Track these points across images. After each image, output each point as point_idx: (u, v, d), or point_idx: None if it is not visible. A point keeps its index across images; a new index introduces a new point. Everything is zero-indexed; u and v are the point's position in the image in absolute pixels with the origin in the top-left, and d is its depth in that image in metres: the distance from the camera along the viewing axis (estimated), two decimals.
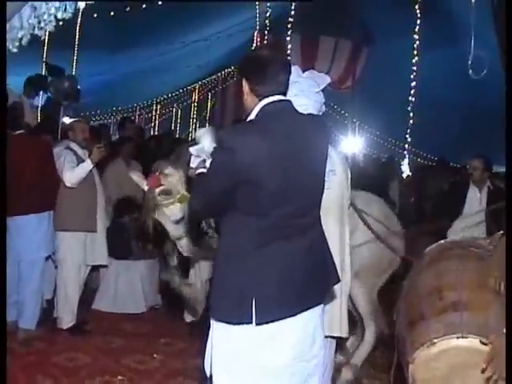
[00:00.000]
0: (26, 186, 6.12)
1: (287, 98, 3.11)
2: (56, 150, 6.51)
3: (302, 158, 2.96)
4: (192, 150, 3.41)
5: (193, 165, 3.34)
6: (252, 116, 3.04)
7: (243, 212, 2.94)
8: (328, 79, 4.27)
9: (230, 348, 3.00)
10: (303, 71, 4.24)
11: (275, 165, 2.86)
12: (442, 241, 4.24)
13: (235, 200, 2.92)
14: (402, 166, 13.66)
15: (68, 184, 6.38)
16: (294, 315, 2.96)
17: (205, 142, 3.39)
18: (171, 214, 4.82)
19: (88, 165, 6.39)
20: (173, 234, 4.97)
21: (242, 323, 2.92)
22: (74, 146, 6.56)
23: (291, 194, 2.93)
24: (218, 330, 3.03)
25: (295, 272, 2.97)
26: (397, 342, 3.79)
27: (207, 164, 3.20)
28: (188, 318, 6.51)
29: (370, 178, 10.72)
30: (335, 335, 4.23)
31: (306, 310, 3.02)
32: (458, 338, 3.21)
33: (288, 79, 3.09)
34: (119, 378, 5.35)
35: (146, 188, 4.88)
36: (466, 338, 3.19)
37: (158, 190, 4.76)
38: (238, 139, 2.88)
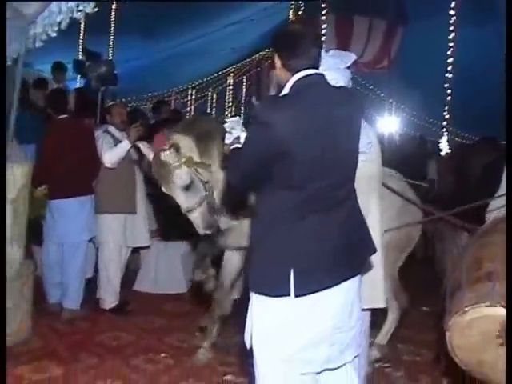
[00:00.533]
0: (68, 170, 6.25)
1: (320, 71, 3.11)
2: (95, 134, 6.61)
3: (337, 131, 2.98)
4: (226, 125, 3.39)
5: (227, 141, 3.34)
6: (286, 90, 3.05)
7: (279, 186, 2.97)
8: (353, 57, 4.19)
9: (270, 320, 3.04)
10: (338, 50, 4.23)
11: (311, 138, 2.89)
12: (500, 215, 4.21)
13: (271, 174, 2.94)
14: (440, 144, 13.50)
15: (108, 165, 6.47)
16: (331, 286, 2.99)
17: (237, 128, 3.38)
18: (179, 177, 4.64)
19: (126, 144, 6.47)
20: (184, 206, 4.74)
21: (281, 295, 2.96)
22: (111, 129, 6.67)
23: (327, 166, 2.95)
24: (258, 303, 3.08)
25: (332, 243, 2.99)
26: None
27: (242, 140, 3.23)
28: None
29: (405, 157, 10.67)
30: (378, 307, 4.23)
31: (344, 280, 3.05)
32: (486, 306, 3.22)
33: (320, 53, 3.11)
34: (162, 355, 5.44)
35: (151, 157, 4.77)
36: (495, 306, 3.20)
37: (166, 148, 4.60)
38: (274, 113, 2.89)
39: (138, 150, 6.69)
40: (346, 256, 3.05)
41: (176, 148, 4.61)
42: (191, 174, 4.68)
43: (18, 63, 6.33)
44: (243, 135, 3.24)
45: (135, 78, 14.99)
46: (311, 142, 2.89)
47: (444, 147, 13.43)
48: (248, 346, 3.20)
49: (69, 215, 6.37)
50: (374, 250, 3.34)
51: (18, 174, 5.85)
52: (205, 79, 21.99)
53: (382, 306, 4.23)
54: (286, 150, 2.86)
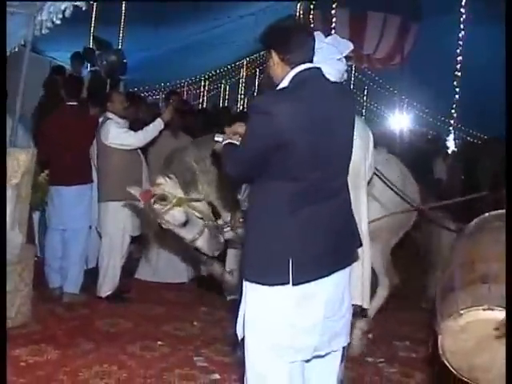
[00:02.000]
0: (68, 157, 6.32)
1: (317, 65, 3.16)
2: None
3: (333, 124, 3.04)
4: (217, 137, 3.41)
5: (218, 138, 3.37)
6: (284, 84, 3.09)
7: (277, 177, 3.01)
8: (351, 46, 4.18)
9: (264, 308, 3.08)
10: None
11: (309, 129, 2.94)
12: (486, 214, 4.19)
13: (270, 165, 2.99)
14: (447, 142, 13.47)
15: (138, 144, 6.55)
16: (327, 275, 3.06)
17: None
18: (173, 219, 4.88)
19: (159, 123, 6.51)
20: (186, 238, 5.01)
21: (279, 284, 3.01)
22: (112, 116, 6.66)
23: (324, 157, 3.01)
24: (252, 292, 3.12)
25: (327, 234, 3.07)
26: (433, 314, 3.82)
27: (233, 139, 3.26)
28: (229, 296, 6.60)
29: (416, 154, 10.65)
30: (356, 303, 4.18)
31: (337, 270, 3.12)
32: (484, 309, 3.15)
33: (314, 46, 3.16)
34: (159, 343, 5.47)
35: (142, 205, 4.93)
36: (493, 310, 3.13)
37: (152, 200, 4.78)
38: (274, 104, 2.94)
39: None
40: (339, 246, 3.13)
41: (161, 198, 4.79)
42: (185, 212, 4.87)
43: (26, 49, 6.39)
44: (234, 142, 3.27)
45: (146, 68, 15.04)
46: (310, 134, 2.94)
47: (451, 145, 13.40)
48: (240, 337, 3.25)
49: (69, 201, 6.45)
50: (361, 243, 3.43)
51: (21, 159, 5.90)
52: (217, 71, 22.00)
53: (359, 303, 4.23)
54: (285, 140, 2.90)
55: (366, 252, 4.11)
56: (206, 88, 23.53)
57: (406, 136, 14.45)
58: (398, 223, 5.58)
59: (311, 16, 14.70)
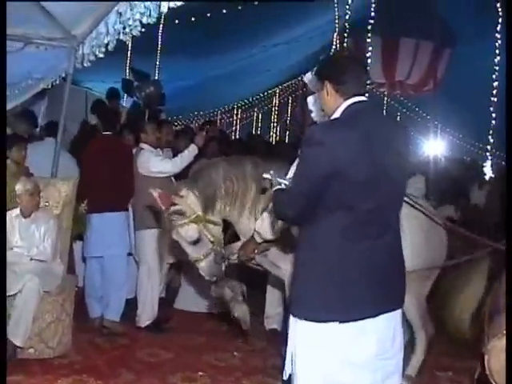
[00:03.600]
0: (105, 185, 6.41)
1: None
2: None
3: (387, 155, 3.01)
4: (266, 175, 3.35)
5: (267, 176, 3.31)
6: (337, 114, 3.10)
7: (329, 209, 2.96)
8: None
9: (315, 345, 3.03)
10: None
11: (363, 158, 2.92)
12: None
13: (324, 195, 2.94)
14: (484, 168, 13.34)
15: (175, 170, 6.61)
16: (373, 316, 3.01)
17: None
18: (185, 234, 4.81)
19: (194, 149, 6.60)
20: (191, 256, 4.92)
21: (328, 321, 2.97)
22: (146, 146, 6.75)
23: (378, 188, 2.97)
24: (302, 328, 3.06)
25: (380, 271, 3.02)
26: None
27: (282, 185, 3.22)
28: (269, 324, 6.54)
29: (451, 181, 10.56)
30: None
31: (389, 311, 3.07)
32: None
33: (367, 80, 3.22)
34: (200, 373, 5.45)
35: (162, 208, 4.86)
36: None
37: (171, 210, 4.74)
38: (327, 133, 2.95)
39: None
40: (390, 285, 3.08)
41: (179, 213, 4.72)
42: (199, 230, 4.80)
43: (67, 82, 6.51)
44: (283, 181, 3.24)
45: (181, 97, 15.14)
46: (363, 162, 2.92)
47: (488, 171, 13.27)
48: (288, 373, 3.18)
49: (106, 229, 6.50)
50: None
51: (62, 190, 6.00)
52: (250, 99, 22.09)
53: None
54: (339, 168, 2.88)
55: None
56: (239, 116, 23.62)
57: (440, 162, 14.34)
58: (430, 266, 5.14)
59: (344, 44, 14.71)
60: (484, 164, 13.67)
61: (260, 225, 4.66)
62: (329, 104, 3.18)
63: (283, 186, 3.19)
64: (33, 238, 5.67)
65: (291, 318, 3.13)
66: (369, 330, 3.01)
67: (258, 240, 4.79)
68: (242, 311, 5.22)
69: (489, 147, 13.87)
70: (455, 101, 15.70)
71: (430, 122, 17.00)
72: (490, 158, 13.76)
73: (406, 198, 4.57)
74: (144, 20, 5.06)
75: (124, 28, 5.28)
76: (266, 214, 4.54)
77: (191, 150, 6.61)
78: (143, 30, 5.34)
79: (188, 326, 6.84)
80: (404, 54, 15.85)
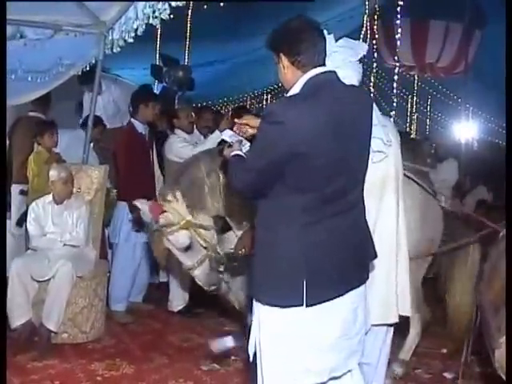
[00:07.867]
0: (135, 174, 6.39)
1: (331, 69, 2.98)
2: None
3: (349, 132, 2.84)
4: (225, 135, 3.24)
5: (226, 137, 3.20)
6: (296, 89, 2.88)
7: (290, 189, 2.82)
8: (366, 47, 3.95)
9: (278, 330, 2.90)
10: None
11: (324, 138, 2.76)
12: None
13: (282, 176, 2.80)
14: None
15: None
16: (342, 295, 2.89)
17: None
18: (175, 241, 4.56)
19: (217, 136, 6.47)
20: (185, 264, 4.68)
21: (292, 306, 2.83)
22: (179, 132, 6.75)
23: (339, 168, 2.82)
24: (264, 314, 2.93)
25: (342, 251, 2.89)
26: (481, 325, 3.70)
27: (244, 147, 3.13)
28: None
29: (483, 163, 10.44)
30: (391, 322, 4.00)
31: (353, 289, 2.95)
32: None
33: (325, 47, 2.95)
34: (232, 358, 5.43)
35: (149, 219, 4.64)
36: None
37: (161, 222, 4.52)
38: (288, 112, 2.73)
39: None
40: (354, 264, 2.96)
41: (168, 223, 4.53)
42: (190, 236, 4.58)
43: (97, 68, 6.53)
44: (245, 141, 3.15)
45: (210, 82, 15.11)
46: (325, 143, 2.76)
47: None
48: (251, 357, 3.07)
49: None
50: (375, 255, 3.19)
51: (94, 176, 6.04)
52: (280, 84, 21.94)
53: (393, 320, 3.98)
54: (299, 150, 2.73)
55: (403, 260, 3.94)
56: (269, 101, 23.50)
57: (472, 145, 14.17)
58: (425, 246, 4.94)
59: (375, 27, 14.59)
60: None
61: None
62: (286, 78, 2.95)
63: (242, 153, 3.05)
64: (66, 224, 5.72)
65: (254, 302, 2.97)
66: (334, 311, 2.87)
67: None
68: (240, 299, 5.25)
69: None
70: (487, 83, 15.47)
71: (461, 105, 16.79)
72: None
73: (408, 174, 4.43)
74: (173, 3, 5.03)
75: (153, 12, 5.25)
76: None
77: (214, 137, 6.41)
78: (172, 15, 5.30)
79: (218, 311, 6.81)
80: (434, 37, 15.64)
